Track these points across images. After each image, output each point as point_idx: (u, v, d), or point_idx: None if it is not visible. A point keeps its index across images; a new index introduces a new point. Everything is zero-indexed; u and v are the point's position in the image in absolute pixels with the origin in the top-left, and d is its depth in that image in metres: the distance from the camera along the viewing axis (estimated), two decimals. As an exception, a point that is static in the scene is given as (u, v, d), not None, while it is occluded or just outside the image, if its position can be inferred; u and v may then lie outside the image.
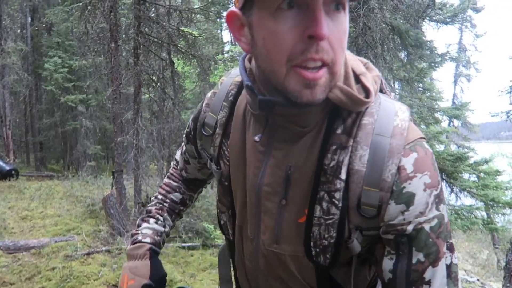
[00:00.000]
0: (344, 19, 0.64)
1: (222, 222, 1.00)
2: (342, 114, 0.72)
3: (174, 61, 9.55)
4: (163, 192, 1.21)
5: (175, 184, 1.21)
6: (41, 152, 15.72)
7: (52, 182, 12.13)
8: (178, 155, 1.22)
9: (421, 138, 0.72)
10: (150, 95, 9.48)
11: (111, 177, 8.56)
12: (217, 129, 0.90)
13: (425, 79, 8.71)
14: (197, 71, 12.67)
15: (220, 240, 5.91)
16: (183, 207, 1.22)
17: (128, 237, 6.92)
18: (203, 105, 0.97)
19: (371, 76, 0.75)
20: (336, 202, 0.72)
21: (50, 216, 8.54)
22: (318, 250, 0.76)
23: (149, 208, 1.19)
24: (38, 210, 8.95)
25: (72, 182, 11.85)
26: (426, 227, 0.68)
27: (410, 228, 0.69)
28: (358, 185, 0.70)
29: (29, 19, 15.40)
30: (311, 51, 0.61)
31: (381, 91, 0.80)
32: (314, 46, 0.61)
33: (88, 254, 6.13)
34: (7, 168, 11.85)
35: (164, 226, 1.15)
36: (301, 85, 0.64)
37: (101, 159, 16.74)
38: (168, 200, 1.19)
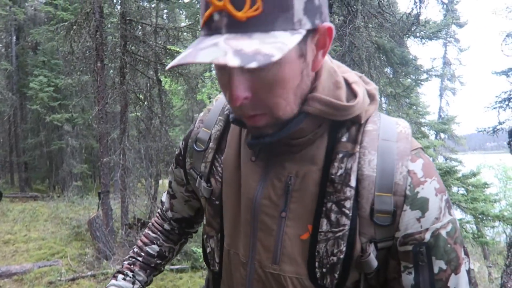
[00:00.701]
0: (272, 70, 0.59)
1: (208, 250, 0.91)
2: (346, 124, 0.72)
3: (161, 79, 9.50)
4: (140, 244, 1.14)
5: (153, 235, 1.15)
6: (25, 173, 15.39)
7: (36, 204, 11.85)
8: (164, 196, 1.18)
9: (421, 148, 0.73)
10: (137, 113, 9.38)
11: (98, 197, 8.39)
12: (211, 143, 0.87)
13: (411, 95, 8.80)
14: (184, 88, 12.64)
15: (209, 264, 5.78)
16: (161, 260, 1.14)
17: (114, 260, 6.73)
18: (196, 123, 0.94)
19: (366, 88, 0.76)
20: (347, 212, 0.69)
21: (34, 239, 8.29)
22: (324, 270, 0.71)
23: (123, 262, 1.12)
24: (22, 233, 8.69)
25: (57, 203, 11.59)
26: (443, 233, 0.68)
27: (428, 236, 0.67)
28: (370, 191, 0.68)
29: (14, 38, 15.26)
30: (236, 110, 0.67)
31: None
32: (237, 106, 0.63)
33: (73, 279, 5.93)
34: (-10, 190, 11.56)
35: (133, 283, 1.07)
36: (249, 127, 0.69)
37: (87, 178, 16.46)
38: (143, 254, 1.12)
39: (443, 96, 22.92)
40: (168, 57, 9.04)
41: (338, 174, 0.69)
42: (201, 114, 0.95)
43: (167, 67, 0.63)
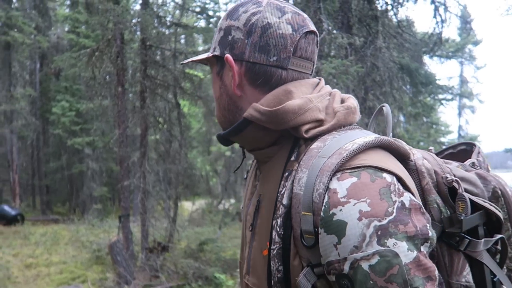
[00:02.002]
0: (213, 79, 0.84)
1: None
2: (299, 142, 0.73)
3: (180, 103, 9.62)
4: None
5: None
6: (47, 195, 15.65)
7: (57, 227, 11.98)
8: None
9: (378, 168, 0.62)
10: (157, 136, 9.48)
11: (118, 220, 8.42)
12: (249, 172, 0.96)
13: (431, 114, 8.68)
14: (202, 110, 12.77)
15: (232, 290, 5.67)
16: None
17: (134, 285, 6.68)
18: None
19: (333, 106, 0.75)
20: (278, 229, 0.68)
21: (55, 263, 8.33)
22: (276, 287, 0.69)
23: None
24: (43, 257, 8.76)
25: (77, 226, 11.68)
26: (365, 266, 0.57)
27: (346, 266, 0.58)
28: (297, 210, 0.64)
29: (38, 65, 15.80)
30: None
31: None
32: None
33: (94, 305, 5.89)
34: (13, 213, 11.77)
35: None
36: None
37: (107, 201, 16.61)
38: None
39: (462, 114, 22.60)
40: (186, 81, 9.19)
41: (282, 192, 0.69)
42: None
43: (184, 62, 0.89)
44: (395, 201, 0.60)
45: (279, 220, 0.68)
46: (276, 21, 0.73)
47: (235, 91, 0.78)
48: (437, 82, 6.45)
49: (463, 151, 0.92)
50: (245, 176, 1.00)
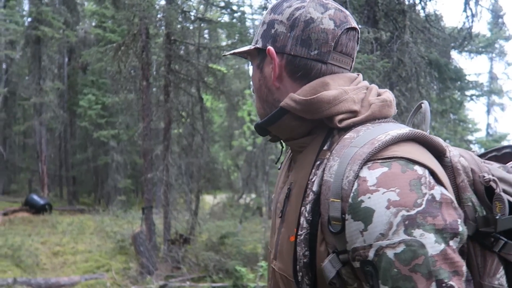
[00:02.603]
0: (252, 71, 0.87)
1: None
2: (333, 132, 0.74)
3: (203, 97, 9.70)
4: None
5: None
6: (73, 186, 16.11)
7: (83, 217, 12.31)
8: None
9: (410, 159, 0.62)
10: (179, 130, 9.60)
11: (141, 212, 8.59)
12: (282, 164, 0.99)
13: (459, 111, 8.44)
14: (225, 105, 12.84)
15: (253, 284, 5.69)
16: None
17: (157, 275, 6.82)
18: None
19: (368, 98, 0.76)
20: (307, 215, 0.69)
21: (81, 252, 8.58)
22: (301, 273, 0.71)
23: None
24: (70, 245, 9.03)
25: (102, 216, 11.97)
26: (389, 253, 0.57)
27: (371, 253, 0.59)
28: (326, 196, 0.66)
29: (66, 59, 16.21)
30: None
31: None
32: None
33: (118, 293, 6.05)
34: (41, 202, 12.17)
35: None
36: None
37: (130, 193, 16.96)
38: None
39: (490, 112, 21.89)
40: (210, 75, 9.25)
41: (313, 180, 0.71)
42: None
43: (226, 53, 0.93)
44: (425, 193, 0.59)
45: (308, 206, 0.69)
46: (319, 16, 0.75)
47: (274, 83, 0.80)
48: (466, 78, 6.25)
49: (508, 154, 0.88)
50: (279, 167, 1.02)
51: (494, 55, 20.31)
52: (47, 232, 10.03)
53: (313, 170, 0.72)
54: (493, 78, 21.46)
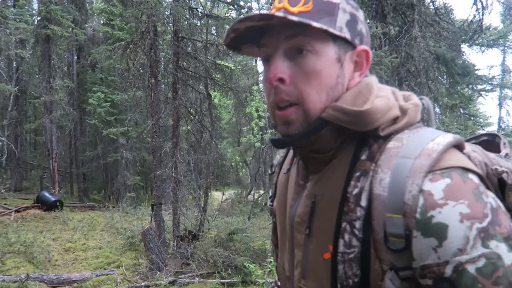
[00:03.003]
0: (312, 60, 0.69)
1: (276, 264, 0.99)
2: (369, 141, 0.70)
3: (211, 94, 9.71)
4: None
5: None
6: (84, 183, 16.28)
7: (94, 213, 12.44)
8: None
9: (464, 168, 0.61)
10: (188, 127, 9.64)
11: (150, 208, 8.65)
12: (276, 168, 0.98)
13: (469, 105, 8.32)
14: (233, 102, 12.84)
15: (261, 280, 5.71)
16: None
17: (166, 272, 6.87)
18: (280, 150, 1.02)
19: (400, 104, 0.73)
20: (357, 233, 0.65)
21: (92, 248, 8.68)
22: None
23: None
24: (81, 242, 9.14)
25: (112, 213, 12.09)
26: (471, 268, 0.56)
27: (449, 270, 0.57)
28: (381, 212, 0.63)
29: (75, 57, 16.34)
30: (272, 94, 0.71)
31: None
32: (273, 90, 0.70)
33: (128, 289, 6.11)
34: (53, 199, 12.30)
35: None
36: (278, 122, 0.73)
37: (140, 189, 17.09)
38: None
39: (503, 105, 21.56)
40: (218, 72, 9.25)
41: (354, 193, 0.67)
42: None
43: (226, 42, 0.74)
44: (487, 202, 0.59)
45: (356, 223, 0.65)
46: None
47: (351, 85, 0.73)
48: (476, 72, 6.14)
49: (485, 141, 0.90)
50: (270, 172, 1.00)
51: (506, 48, 19.97)
52: (59, 229, 10.16)
53: (352, 182, 0.68)
54: (505, 71, 21.11)
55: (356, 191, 0.66)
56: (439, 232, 0.57)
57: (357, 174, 0.68)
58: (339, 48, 0.70)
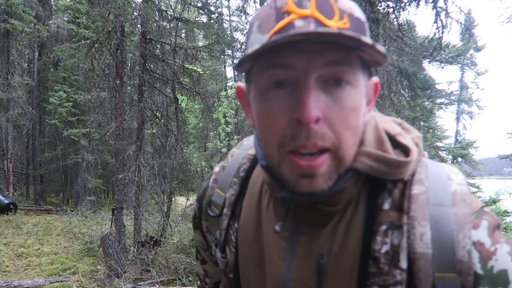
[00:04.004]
0: (350, 94, 0.54)
1: None
2: (387, 186, 0.60)
3: (178, 98, 9.59)
4: None
5: None
6: (41, 185, 15.59)
7: (50, 217, 11.92)
8: (197, 265, 1.02)
9: (483, 206, 0.60)
10: (153, 130, 9.46)
11: (111, 213, 8.39)
12: (225, 209, 0.76)
13: (429, 118, 8.69)
14: (200, 106, 12.74)
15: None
16: None
17: (125, 278, 6.67)
18: (210, 181, 0.82)
19: (411, 137, 0.64)
20: None
21: (47, 253, 8.29)
22: None
23: None
24: (35, 247, 8.72)
25: (70, 217, 11.63)
26: None
27: None
28: (428, 272, 0.55)
29: (37, 54, 15.71)
30: (301, 136, 0.53)
31: None
32: (304, 131, 0.53)
33: (84, 297, 5.87)
34: (6, 202, 11.70)
35: None
36: (297, 174, 0.55)
37: (101, 193, 16.56)
38: None
39: (460, 120, 22.65)
40: (185, 76, 9.16)
41: (383, 251, 0.57)
42: (216, 170, 0.83)
43: (242, 60, 0.54)
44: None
45: None
46: None
47: (365, 122, 0.61)
48: (436, 86, 6.42)
49: None
50: (212, 214, 0.78)
51: (464, 65, 21.05)
52: (11, 233, 9.65)
53: (379, 238, 0.58)
54: (463, 87, 22.23)
55: (385, 248, 0.57)
56: (503, 279, 0.54)
57: (383, 228, 0.58)
58: (365, 79, 0.58)
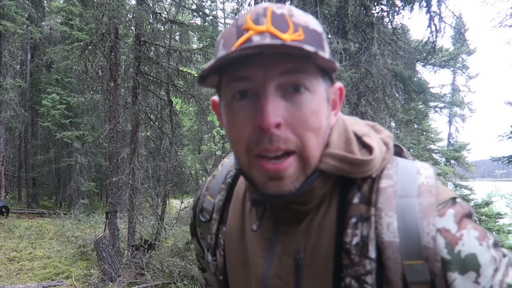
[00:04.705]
0: (309, 99, 0.58)
1: None
2: (356, 182, 0.63)
3: (173, 100, 9.57)
4: None
5: None
6: (33, 188, 15.44)
7: (43, 220, 11.81)
8: (198, 274, 1.04)
9: (454, 197, 0.61)
10: (147, 133, 9.42)
11: (105, 216, 8.33)
12: (214, 214, 0.80)
13: (423, 121, 8.75)
14: (195, 109, 12.72)
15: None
16: None
17: (119, 282, 6.62)
18: (203, 190, 0.87)
19: (379, 137, 0.68)
20: None
21: (39, 257, 8.21)
22: None
23: None
24: (27, 251, 8.62)
25: (63, 220, 11.53)
26: (510, 280, 0.56)
27: None
28: (397, 261, 0.57)
29: (29, 56, 15.57)
30: (264, 141, 0.57)
31: (399, 155, 0.72)
32: (266, 137, 0.57)
33: (77, 302, 5.82)
34: (-2, 205, 11.56)
35: None
36: (265, 177, 0.60)
37: (94, 196, 16.44)
38: None
39: (452, 122, 22.85)
40: (180, 79, 9.14)
41: (354, 243, 0.60)
42: (208, 179, 0.88)
43: (202, 74, 0.58)
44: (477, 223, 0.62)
45: (368, 278, 0.58)
46: None
47: (330, 126, 0.65)
48: (430, 90, 6.48)
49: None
50: (203, 219, 0.82)
51: (456, 69, 21.24)
52: (3, 237, 9.54)
53: (349, 231, 0.60)
54: (455, 90, 22.43)
55: (356, 240, 0.60)
56: (472, 263, 0.56)
57: (353, 220, 0.61)
58: (326, 84, 0.62)
